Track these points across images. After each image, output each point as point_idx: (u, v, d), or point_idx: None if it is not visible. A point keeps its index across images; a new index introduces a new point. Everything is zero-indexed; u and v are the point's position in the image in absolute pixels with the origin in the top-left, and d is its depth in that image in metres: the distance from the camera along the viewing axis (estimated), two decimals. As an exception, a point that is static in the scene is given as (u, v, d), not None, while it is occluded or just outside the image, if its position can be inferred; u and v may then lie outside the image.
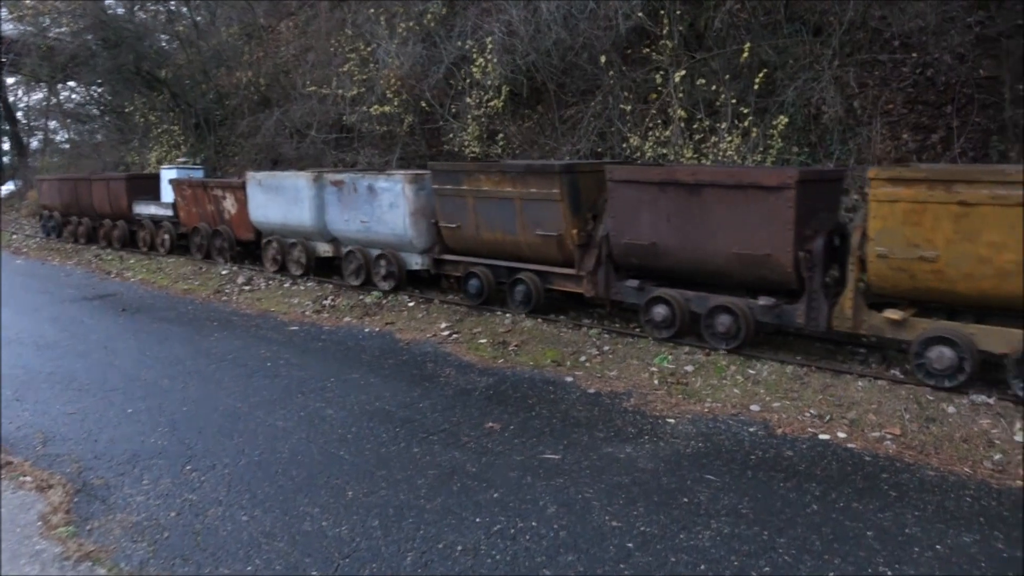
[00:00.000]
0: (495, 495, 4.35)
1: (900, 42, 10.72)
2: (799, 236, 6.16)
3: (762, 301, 6.42)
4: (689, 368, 6.31)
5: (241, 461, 4.88)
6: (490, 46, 11.05)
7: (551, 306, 8.21)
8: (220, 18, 18.25)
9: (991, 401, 5.28)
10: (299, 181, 10.21)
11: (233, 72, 16.60)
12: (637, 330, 7.20)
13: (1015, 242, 5.22)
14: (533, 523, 4.03)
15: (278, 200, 10.56)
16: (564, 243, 7.63)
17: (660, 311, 6.96)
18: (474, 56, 11.22)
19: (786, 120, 8.93)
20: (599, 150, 10.84)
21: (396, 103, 12.10)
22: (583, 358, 6.75)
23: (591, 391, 6.05)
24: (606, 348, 6.91)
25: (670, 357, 6.54)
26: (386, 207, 9.17)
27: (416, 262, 9.21)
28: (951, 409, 5.25)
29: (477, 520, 4.08)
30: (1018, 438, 4.86)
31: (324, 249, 10.30)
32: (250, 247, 11.76)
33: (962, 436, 4.95)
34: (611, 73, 10.43)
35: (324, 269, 10.56)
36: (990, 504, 4.19)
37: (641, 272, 7.27)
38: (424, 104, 12.07)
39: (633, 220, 7.04)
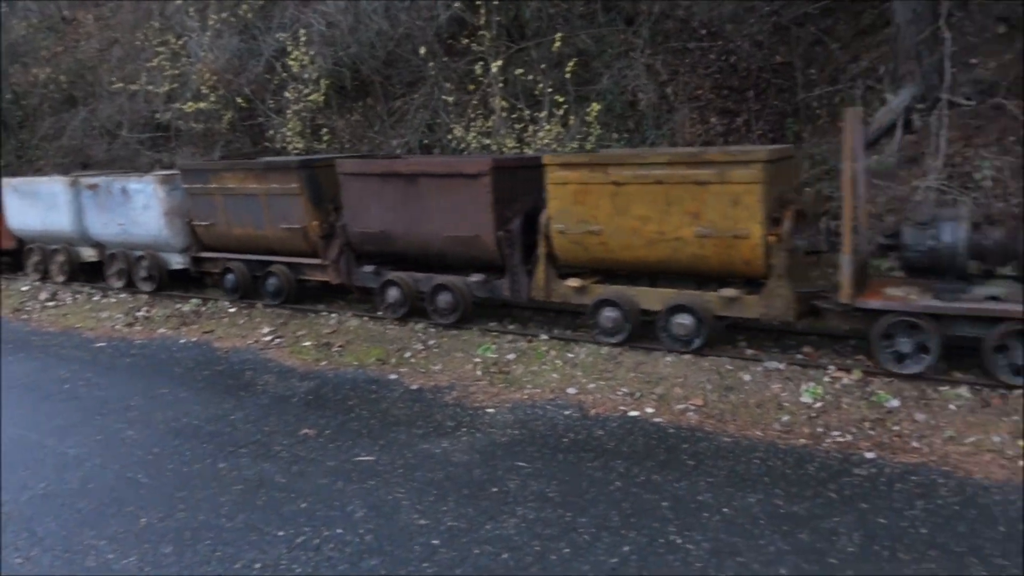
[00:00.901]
0: (303, 505, 4.22)
1: (707, 31, 11.32)
2: (499, 218, 6.75)
3: (474, 278, 7.05)
4: (511, 356, 6.39)
5: (23, 497, 4.47)
6: (304, 38, 10.70)
7: (307, 296, 8.43)
8: (18, 10, 16.68)
9: (782, 367, 5.66)
10: (55, 186, 10.02)
11: (30, 69, 15.24)
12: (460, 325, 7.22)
13: (657, 215, 5.93)
14: (339, 530, 3.93)
15: (37, 206, 10.29)
16: (308, 235, 7.93)
17: (393, 293, 7.49)
18: (290, 49, 10.84)
19: (599, 107, 9.18)
20: (426, 142, 10.78)
21: (213, 99, 11.50)
22: (408, 354, 6.68)
23: (414, 387, 6.00)
24: (431, 342, 6.87)
25: (493, 347, 6.59)
26: (140, 209, 9.17)
27: (177, 261, 9.27)
28: (747, 377, 5.59)
29: (280, 533, 3.93)
30: (804, 399, 5.24)
31: (89, 254, 10.15)
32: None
33: (756, 402, 5.28)
34: (431, 64, 10.37)
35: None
36: (775, 464, 4.48)
37: (377, 258, 7.78)
38: (242, 100, 11.55)
39: (364, 210, 7.52)
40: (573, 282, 6.53)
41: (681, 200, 5.85)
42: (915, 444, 4.60)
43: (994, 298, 5.20)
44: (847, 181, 5.38)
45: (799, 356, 5.89)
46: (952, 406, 4.94)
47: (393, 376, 6.26)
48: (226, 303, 8.59)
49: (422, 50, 10.23)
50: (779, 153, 6.03)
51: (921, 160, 8.21)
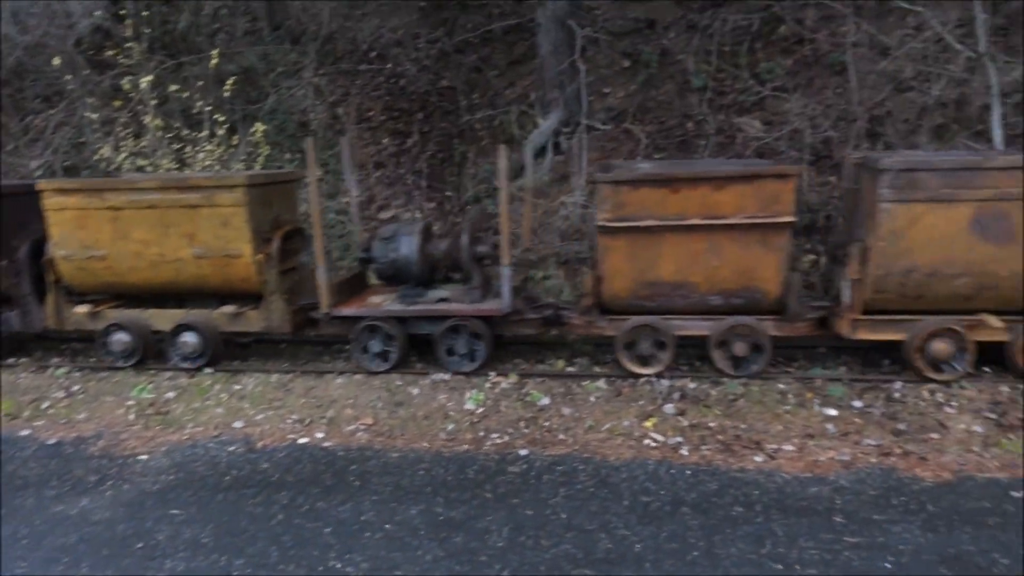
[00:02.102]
0: None
1: (375, 53, 11.54)
2: (4, 246, 6.58)
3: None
4: (171, 395, 5.92)
5: None
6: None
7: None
8: None
9: (447, 377, 5.91)
10: None
11: None
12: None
13: (156, 238, 6.18)
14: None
15: None
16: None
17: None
18: None
19: (264, 127, 8.90)
20: (69, 163, 9.67)
21: None
22: (46, 404, 5.90)
23: (51, 442, 5.30)
24: (76, 388, 6.14)
25: (150, 386, 6.06)
26: None
27: None
28: (416, 391, 5.75)
29: None
30: (468, 406, 5.51)
31: None
32: None
33: (424, 414, 5.44)
34: (68, 77, 9.33)
35: None
36: (439, 473, 4.65)
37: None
38: None
39: None
40: (83, 308, 6.54)
41: (177, 223, 6.11)
42: (562, 436, 5.05)
43: (443, 299, 6.16)
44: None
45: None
46: (592, 398, 5.51)
47: (25, 432, 5.48)
48: None
49: (56, 61, 9.16)
50: (268, 177, 6.47)
51: (569, 178, 9.11)
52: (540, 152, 9.54)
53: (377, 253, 6.21)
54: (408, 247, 6.12)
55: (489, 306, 5.97)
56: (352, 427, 5.31)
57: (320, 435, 5.22)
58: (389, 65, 11.36)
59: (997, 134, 7.38)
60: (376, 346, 6.06)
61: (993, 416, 4.90)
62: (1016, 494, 4.11)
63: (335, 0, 11.91)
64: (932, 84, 8.31)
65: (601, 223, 5.59)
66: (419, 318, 6.06)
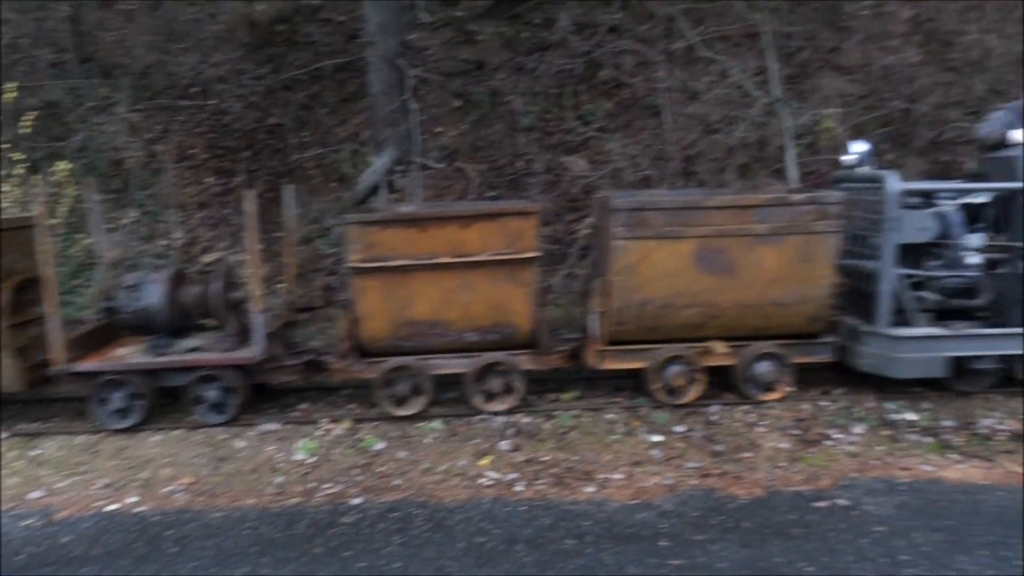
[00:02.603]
0: None
1: (197, 89, 11.06)
2: None
3: None
4: (-43, 465, 5.28)
5: None
6: None
7: None
8: None
9: (276, 427, 5.66)
10: None
11: None
12: None
13: None
14: None
15: None
16: None
17: None
18: None
19: (68, 166, 8.28)
20: None
21: None
22: None
23: None
24: None
25: (-69, 457, 5.39)
26: None
27: None
28: (242, 443, 5.46)
29: None
30: (298, 456, 5.29)
31: None
32: None
33: (251, 468, 5.17)
34: None
35: None
36: (266, 531, 4.40)
37: None
38: None
39: None
40: None
41: None
42: (397, 481, 4.94)
43: (195, 349, 6.01)
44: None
45: (295, 414, 5.96)
46: (428, 439, 5.45)
47: None
48: None
49: None
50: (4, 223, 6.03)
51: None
52: (373, 191, 9.46)
53: (121, 302, 5.92)
54: (155, 295, 5.85)
55: (242, 354, 5.79)
56: (170, 488, 4.95)
57: (132, 500, 4.82)
58: (212, 101, 10.92)
59: (792, 172, 8.11)
60: (118, 401, 5.71)
61: (797, 432, 5.30)
62: (818, 504, 4.44)
63: (150, 34, 11.35)
64: (736, 127, 9.03)
65: (353, 264, 5.63)
66: (167, 370, 5.78)
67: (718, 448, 5.16)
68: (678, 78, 9.62)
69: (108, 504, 4.77)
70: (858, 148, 6.20)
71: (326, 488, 4.90)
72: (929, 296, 5.65)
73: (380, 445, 5.39)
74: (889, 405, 5.65)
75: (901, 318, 5.58)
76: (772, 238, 5.52)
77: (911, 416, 5.50)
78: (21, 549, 4.27)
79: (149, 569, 4.01)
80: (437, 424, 5.62)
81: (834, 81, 9.59)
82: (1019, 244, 5.55)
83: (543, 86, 10.20)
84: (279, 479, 5.02)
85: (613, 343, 5.82)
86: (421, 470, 5.06)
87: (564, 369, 6.02)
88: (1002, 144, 5.78)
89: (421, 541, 4.22)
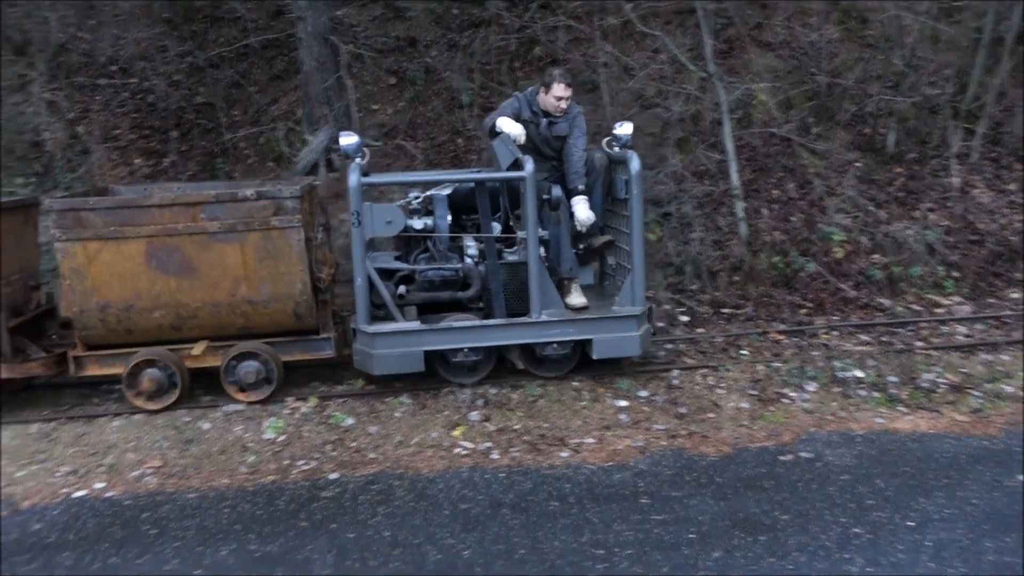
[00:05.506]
0: None
1: (117, 67, 10.59)
2: None
3: None
4: (-101, 461, 5.01)
5: None
6: None
7: None
8: None
9: (242, 408, 5.57)
10: None
11: None
12: None
13: None
14: None
15: None
16: None
17: None
18: None
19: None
20: None
21: None
22: None
23: None
24: None
25: None
26: None
27: None
28: (207, 425, 5.36)
29: None
30: (267, 435, 5.23)
31: None
32: None
33: (219, 449, 5.09)
34: None
35: None
36: (246, 508, 4.37)
37: None
38: None
39: None
40: None
41: None
42: (372, 455, 4.96)
43: None
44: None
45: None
46: (398, 413, 5.47)
47: None
48: None
49: None
50: None
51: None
52: (311, 169, 9.30)
53: None
54: None
55: None
56: (137, 472, 4.83)
57: (100, 485, 4.69)
58: (134, 80, 10.48)
59: (729, 146, 8.40)
60: None
61: (755, 393, 5.57)
62: (784, 458, 4.70)
63: (62, 9, 10.77)
64: (671, 101, 9.26)
65: None
66: None
67: (682, 410, 5.38)
68: (613, 54, 9.77)
69: (75, 491, 4.63)
70: None
71: (300, 464, 4.88)
72: (412, 290, 5.64)
73: (350, 421, 5.38)
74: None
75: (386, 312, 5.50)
76: (229, 235, 5.37)
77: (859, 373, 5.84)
78: (-12, 542, 4.11)
79: (132, 552, 3.93)
80: (405, 399, 5.65)
81: (761, 57, 9.94)
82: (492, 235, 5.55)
83: (478, 63, 10.20)
84: (251, 458, 4.97)
85: (92, 348, 5.61)
86: (395, 443, 5.09)
87: (46, 377, 5.84)
88: (494, 132, 5.61)
89: (406, 510, 4.27)
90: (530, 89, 5.99)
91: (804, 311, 7.18)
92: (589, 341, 5.60)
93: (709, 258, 7.88)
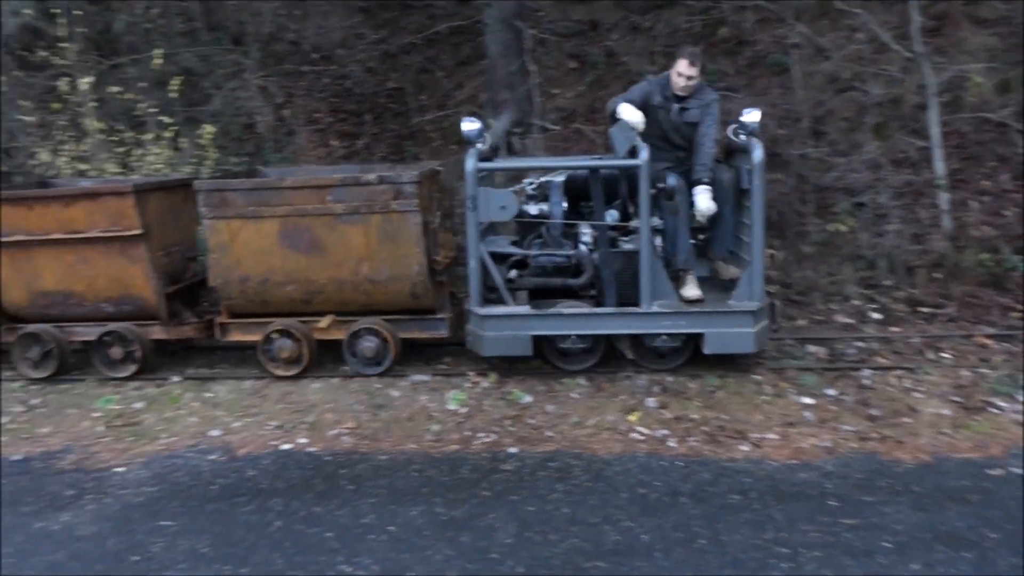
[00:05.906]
0: None
1: (319, 55, 11.35)
2: None
3: None
4: (139, 405, 5.71)
5: None
6: None
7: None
8: None
9: (427, 379, 5.87)
10: None
11: None
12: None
13: None
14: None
15: None
16: None
17: None
18: None
19: (212, 129, 8.66)
20: (4, 168, 9.18)
21: None
22: (6, 419, 5.60)
23: (16, 458, 5.04)
24: (35, 401, 5.85)
25: (116, 397, 5.83)
26: None
27: None
28: (396, 393, 5.69)
29: None
30: (450, 406, 5.48)
31: None
32: None
33: (407, 416, 5.39)
34: (2, 79, 8.87)
35: None
36: (432, 473, 4.61)
37: None
38: None
39: None
40: None
41: None
42: (549, 433, 5.08)
43: None
44: None
45: (441, 367, 6.16)
46: (574, 395, 5.56)
47: (-16, 449, 5.20)
48: None
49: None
50: None
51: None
52: (493, 152, 9.54)
53: None
54: None
55: None
56: (335, 431, 5.22)
57: (303, 440, 5.12)
58: (334, 66, 11.19)
59: (935, 132, 7.77)
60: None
61: (959, 400, 5.17)
62: (992, 472, 4.34)
63: (274, 2, 11.66)
64: (870, 84, 8.68)
65: None
66: None
67: (874, 412, 5.09)
68: (805, 34, 9.29)
69: (282, 443, 5.08)
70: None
71: (481, 436, 5.08)
72: (524, 275, 5.63)
73: (528, 399, 5.53)
74: None
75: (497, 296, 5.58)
76: (353, 217, 5.67)
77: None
78: (213, 481, 4.60)
79: (332, 503, 4.27)
80: (581, 380, 5.72)
81: (976, 35, 9.09)
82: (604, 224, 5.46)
83: (660, 46, 10.02)
84: (436, 427, 5.22)
85: (235, 316, 6.09)
86: (571, 423, 5.18)
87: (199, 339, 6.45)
88: (615, 118, 5.41)
89: (584, 490, 4.35)
90: (664, 73, 5.72)
91: (1016, 315, 6.56)
92: (701, 335, 5.44)
93: (906, 252, 7.35)
